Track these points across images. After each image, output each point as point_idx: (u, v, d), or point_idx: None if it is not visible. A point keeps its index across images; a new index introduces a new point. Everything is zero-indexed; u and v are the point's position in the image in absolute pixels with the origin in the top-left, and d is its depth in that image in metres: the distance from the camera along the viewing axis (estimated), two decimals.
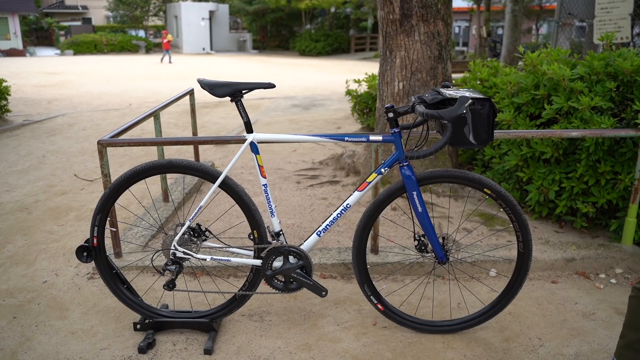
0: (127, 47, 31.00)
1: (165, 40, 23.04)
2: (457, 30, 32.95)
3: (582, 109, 3.08)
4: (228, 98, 2.15)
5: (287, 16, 31.95)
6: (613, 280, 2.92)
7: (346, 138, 2.18)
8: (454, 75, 5.10)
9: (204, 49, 31.71)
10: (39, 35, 35.80)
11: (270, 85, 2.17)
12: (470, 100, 1.89)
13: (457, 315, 2.53)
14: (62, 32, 34.58)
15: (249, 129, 2.19)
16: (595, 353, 2.27)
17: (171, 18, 34.39)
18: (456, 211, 3.78)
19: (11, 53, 27.36)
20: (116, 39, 30.78)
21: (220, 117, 8.40)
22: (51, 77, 15.03)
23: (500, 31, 26.70)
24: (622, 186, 3.04)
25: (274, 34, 34.56)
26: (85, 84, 13.25)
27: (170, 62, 22.52)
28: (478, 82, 4.22)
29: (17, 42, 28.80)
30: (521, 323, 2.50)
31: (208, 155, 5.62)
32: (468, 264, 2.96)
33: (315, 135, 2.22)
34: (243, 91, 2.13)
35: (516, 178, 3.60)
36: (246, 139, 2.19)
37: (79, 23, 37.81)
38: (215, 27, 33.73)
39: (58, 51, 30.02)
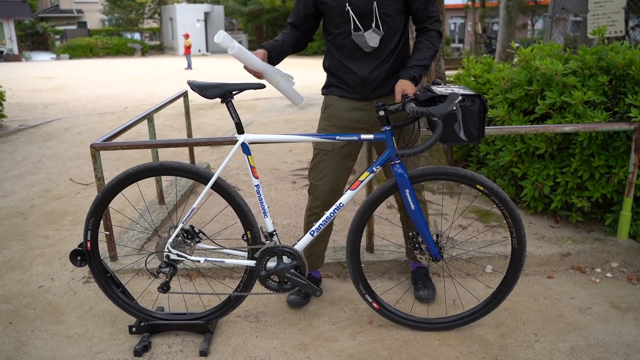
0: (122, 50, 31.01)
1: (186, 45, 21.31)
2: (452, 27, 32.96)
3: (575, 104, 3.08)
4: (219, 99, 2.14)
5: (282, 16, 31.92)
6: (609, 274, 2.92)
7: (337, 137, 2.17)
8: (449, 72, 5.11)
9: (199, 50, 31.70)
10: (34, 40, 35.78)
11: (261, 86, 2.17)
12: (460, 97, 1.89)
13: (452, 312, 2.53)
14: (58, 36, 34.54)
15: (240, 129, 2.18)
16: (591, 347, 2.27)
17: (166, 20, 34.36)
18: (452, 208, 3.78)
19: (7, 58, 27.32)
20: (112, 42, 30.78)
21: (216, 118, 8.40)
22: (47, 82, 15.02)
23: (495, 27, 26.71)
24: (617, 180, 3.04)
25: (270, 34, 34.54)
26: (81, 88, 13.24)
27: (190, 68, 20.32)
28: (472, 79, 4.21)
29: (12, 47, 28.75)
30: (517, 319, 2.50)
31: (204, 157, 5.62)
32: (463, 260, 2.96)
33: (307, 135, 2.22)
34: (233, 92, 2.13)
35: (511, 174, 3.60)
36: (237, 140, 2.19)
37: (74, 27, 37.75)
38: (211, 29, 33.71)
39: (54, 55, 30.00)
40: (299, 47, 2.43)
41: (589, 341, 2.32)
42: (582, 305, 2.61)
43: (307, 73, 17.13)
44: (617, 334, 2.37)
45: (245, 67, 2.18)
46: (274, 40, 2.34)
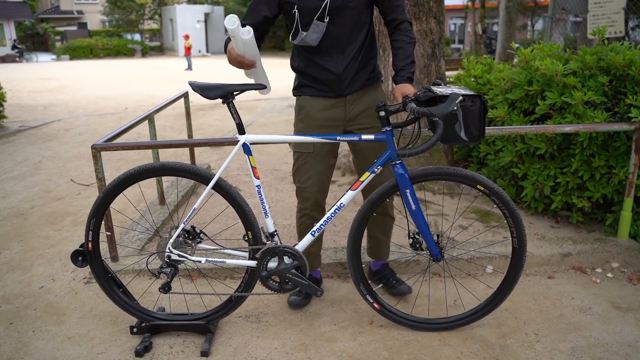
0: (123, 51, 31.00)
1: (186, 46, 21.21)
2: (452, 27, 32.98)
3: (575, 104, 3.08)
4: (220, 100, 2.14)
5: (282, 17, 31.91)
6: (609, 275, 2.92)
7: (338, 137, 2.18)
8: (449, 73, 5.11)
9: (199, 51, 31.71)
10: (34, 41, 35.80)
11: (262, 87, 2.17)
12: (460, 97, 1.89)
13: (453, 312, 2.53)
14: (58, 37, 34.55)
15: (241, 130, 2.18)
16: (591, 347, 2.27)
17: (167, 21, 34.38)
18: (452, 208, 3.78)
19: (7, 59, 27.32)
20: (112, 43, 30.78)
21: (216, 119, 8.40)
22: (47, 83, 15.03)
23: (495, 28, 26.72)
24: (617, 180, 3.04)
25: (270, 35, 34.51)
26: (81, 89, 13.25)
27: (190, 69, 20.26)
28: (472, 79, 4.22)
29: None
30: (518, 319, 2.50)
31: (204, 157, 5.62)
32: (464, 261, 2.96)
33: (307, 135, 2.22)
34: (234, 93, 2.13)
35: (511, 174, 3.60)
36: (238, 141, 2.19)
37: (74, 28, 37.76)
38: (211, 30, 33.74)
39: (54, 56, 30.00)
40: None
41: (589, 341, 2.32)
42: (583, 306, 2.61)
43: None
44: (617, 334, 2.37)
45: (234, 57, 2.11)
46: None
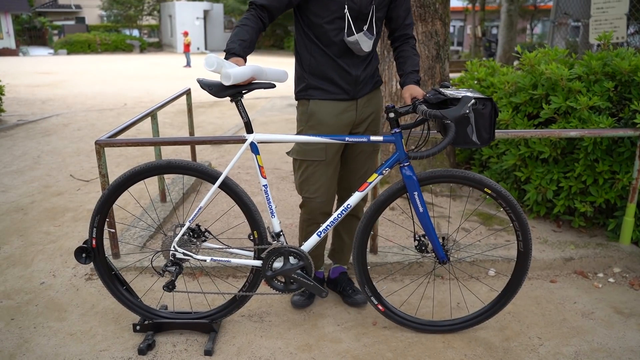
0: (121, 47, 30.87)
1: (185, 43, 21.28)
2: (452, 29, 33.04)
3: (580, 109, 3.09)
4: (226, 98, 2.12)
5: (281, 15, 31.85)
6: (611, 279, 2.93)
7: (347, 139, 2.16)
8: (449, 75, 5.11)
9: (198, 48, 31.62)
10: (32, 35, 35.58)
11: (271, 85, 2.16)
12: (473, 100, 1.89)
13: (457, 314, 2.53)
14: (56, 32, 34.38)
15: (249, 129, 2.17)
16: (594, 352, 2.28)
17: (165, 17, 34.27)
18: (454, 211, 3.78)
19: (4, 52, 27.16)
20: (110, 39, 30.64)
21: (215, 117, 8.38)
22: (45, 77, 14.95)
23: (495, 31, 26.79)
24: (620, 185, 3.05)
25: (269, 33, 34.51)
26: (79, 84, 13.19)
27: (189, 65, 20.23)
28: (475, 82, 4.22)
29: (9, 42, 28.56)
30: (521, 322, 2.50)
31: (205, 155, 5.60)
32: (467, 263, 2.96)
33: (316, 136, 2.20)
34: (243, 91, 2.11)
35: (514, 178, 3.61)
36: (246, 139, 2.18)
37: (72, 22, 37.59)
38: (210, 27, 33.66)
39: (51, 51, 29.85)
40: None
41: (592, 346, 2.33)
42: (585, 310, 2.62)
43: None
44: (620, 339, 2.37)
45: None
46: (241, 40, 2.01)
